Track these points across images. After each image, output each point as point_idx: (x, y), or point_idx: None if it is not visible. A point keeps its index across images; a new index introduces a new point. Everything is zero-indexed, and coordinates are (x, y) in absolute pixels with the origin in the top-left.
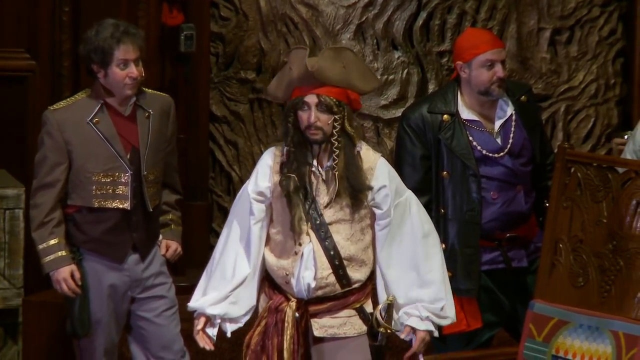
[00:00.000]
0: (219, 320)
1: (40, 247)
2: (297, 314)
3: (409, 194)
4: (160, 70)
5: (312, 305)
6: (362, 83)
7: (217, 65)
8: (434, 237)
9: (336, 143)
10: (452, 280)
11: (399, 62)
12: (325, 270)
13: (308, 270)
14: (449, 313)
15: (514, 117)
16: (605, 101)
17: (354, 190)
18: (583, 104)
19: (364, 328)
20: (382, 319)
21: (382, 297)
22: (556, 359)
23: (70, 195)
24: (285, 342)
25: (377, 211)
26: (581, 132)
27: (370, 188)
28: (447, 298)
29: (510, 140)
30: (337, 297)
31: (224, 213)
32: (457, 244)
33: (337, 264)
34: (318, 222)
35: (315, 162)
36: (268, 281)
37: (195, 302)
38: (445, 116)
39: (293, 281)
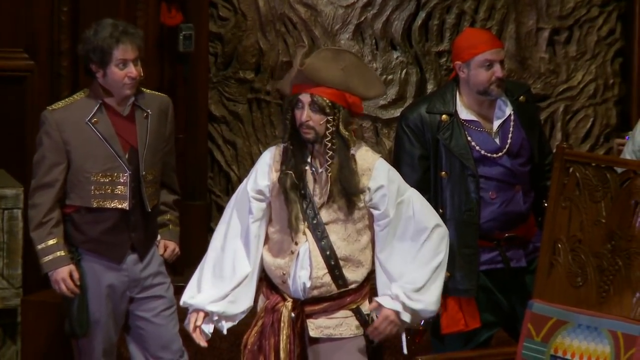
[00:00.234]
0: (216, 318)
1: (39, 247)
2: (293, 314)
3: (412, 192)
4: (159, 70)
5: (308, 305)
6: (364, 88)
7: (216, 65)
8: (440, 232)
9: (329, 144)
10: (451, 280)
11: (398, 62)
12: (321, 270)
13: (304, 269)
14: (425, 298)
15: (512, 117)
16: (604, 101)
17: (346, 193)
18: (582, 104)
19: (360, 329)
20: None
21: None
22: (555, 358)
23: (69, 195)
24: (281, 342)
25: (374, 212)
26: (580, 132)
27: (363, 192)
28: (429, 286)
29: (509, 140)
30: (333, 297)
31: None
32: (455, 244)
33: (333, 264)
34: (315, 221)
35: (311, 162)
36: (266, 281)
37: (192, 298)
38: (443, 116)
39: (289, 281)
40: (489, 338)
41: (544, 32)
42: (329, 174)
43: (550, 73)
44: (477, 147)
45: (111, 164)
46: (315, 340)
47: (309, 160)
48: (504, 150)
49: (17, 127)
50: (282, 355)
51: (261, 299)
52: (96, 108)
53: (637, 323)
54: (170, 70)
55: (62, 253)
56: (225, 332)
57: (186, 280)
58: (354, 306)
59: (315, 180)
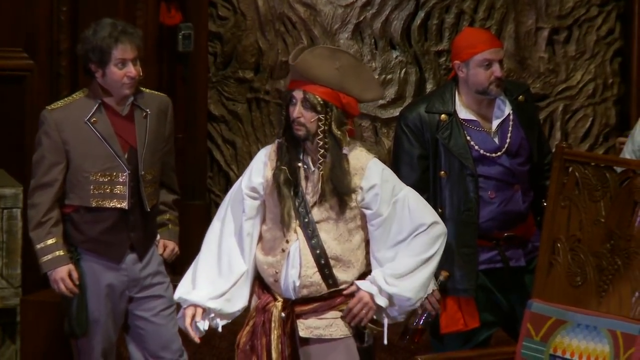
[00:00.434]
0: (212, 315)
1: (38, 246)
2: (283, 314)
3: (407, 191)
4: (158, 69)
5: (298, 305)
6: (360, 90)
7: (215, 65)
8: (437, 229)
9: (321, 143)
10: (450, 279)
11: (397, 62)
12: (310, 268)
13: (294, 268)
14: (402, 284)
15: (511, 117)
16: (603, 101)
17: (338, 192)
18: (581, 103)
19: (351, 330)
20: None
21: None
22: (554, 358)
23: (68, 194)
24: (272, 342)
25: (367, 212)
26: (579, 131)
27: (355, 191)
28: (411, 275)
29: (508, 140)
30: (323, 297)
31: None
32: (454, 244)
33: (323, 263)
34: (306, 220)
35: (305, 159)
36: (258, 280)
37: (188, 294)
38: (442, 116)
39: (281, 280)
40: (488, 338)
41: (543, 31)
42: (321, 173)
43: (549, 72)
44: (476, 147)
45: (110, 163)
46: (306, 341)
47: (302, 157)
48: (503, 150)
49: (17, 127)
50: (273, 355)
51: (254, 298)
52: (95, 108)
53: (636, 322)
54: (170, 69)
55: (61, 253)
56: (220, 329)
57: None
58: (345, 307)
59: (307, 179)
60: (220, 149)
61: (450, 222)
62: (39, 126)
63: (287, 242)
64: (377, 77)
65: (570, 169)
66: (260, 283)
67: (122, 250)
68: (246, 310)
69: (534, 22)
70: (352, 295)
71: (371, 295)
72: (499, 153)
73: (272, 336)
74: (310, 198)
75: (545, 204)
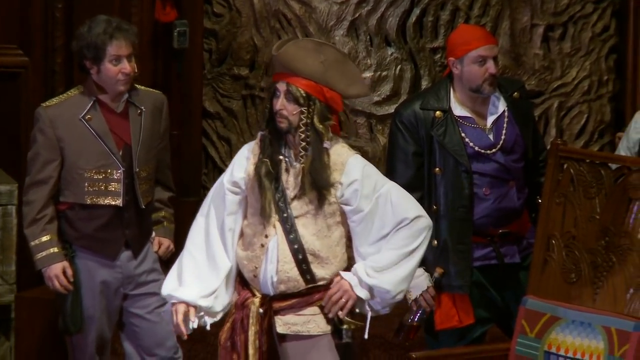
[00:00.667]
0: (202, 313)
1: (33, 243)
2: (261, 310)
3: (390, 186)
4: (153, 66)
5: (276, 301)
6: (344, 85)
7: (210, 62)
8: (420, 222)
9: (303, 136)
10: (445, 276)
11: (392, 59)
12: (288, 263)
13: (272, 263)
14: (382, 277)
15: (506, 114)
16: (598, 97)
17: (317, 186)
18: (576, 100)
19: (329, 327)
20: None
21: None
22: (548, 355)
23: (63, 192)
24: (249, 337)
25: (346, 208)
26: (574, 128)
27: (334, 186)
28: (392, 269)
29: (503, 137)
30: (301, 293)
31: None
32: (449, 241)
33: (301, 258)
34: (285, 214)
35: (287, 153)
36: (239, 276)
37: (176, 290)
38: (437, 113)
39: (260, 275)
40: (483, 334)
41: (539, 28)
42: (302, 166)
43: (544, 69)
44: (471, 144)
45: (105, 160)
46: (283, 337)
47: (284, 151)
48: (498, 147)
49: (12, 124)
50: (250, 351)
51: (235, 295)
52: (90, 105)
53: (630, 319)
54: (165, 66)
55: (56, 250)
56: (208, 327)
57: None
58: (323, 304)
59: (288, 172)
60: (215, 146)
61: (445, 219)
62: (34, 123)
63: (266, 237)
64: (372, 73)
65: (565, 166)
66: (240, 279)
67: (117, 247)
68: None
69: (529, 19)
70: (326, 290)
71: (351, 285)
72: (493, 150)
73: (250, 332)
74: (290, 192)
75: (540, 200)
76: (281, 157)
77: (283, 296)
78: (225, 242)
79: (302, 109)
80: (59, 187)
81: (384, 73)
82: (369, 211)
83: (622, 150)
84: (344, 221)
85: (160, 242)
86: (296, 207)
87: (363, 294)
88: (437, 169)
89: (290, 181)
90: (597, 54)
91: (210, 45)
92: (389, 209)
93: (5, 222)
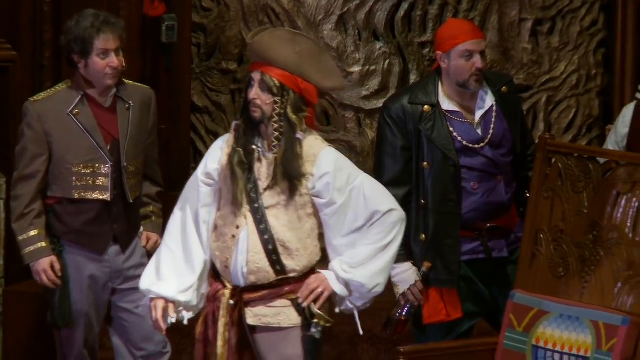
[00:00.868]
0: (181, 308)
1: (21, 238)
2: (231, 302)
3: (363, 178)
4: (141, 60)
5: (247, 293)
6: (320, 77)
7: (199, 56)
8: (393, 216)
9: (276, 126)
10: (432, 270)
11: (381, 53)
12: (258, 254)
13: (242, 254)
14: (357, 272)
15: (494, 108)
16: (587, 92)
17: (288, 176)
18: (564, 94)
19: (299, 320)
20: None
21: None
22: (536, 349)
23: (51, 186)
24: (219, 329)
25: (318, 201)
26: (562, 122)
27: (305, 176)
28: (367, 264)
29: (491, 131)
30: (272, 285)
31: None
32: (437, 235)
33: (271, 248)
34: (256, 205)
35: (260, 143)
36: (212, 269)
37: (154, 285)
38: (426, 107)
39: (231, 266)
40: (471, 328)
41: (527, 22)
42: (275, 156)
43: (533, 64)
44: (459, 138)
45: (93, 155)
46: (254, 329)
47: (258, 141)
48: (486, 141)
49: (0, 118)
50: (219, 343)
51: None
52: (78, 99)
53: (618, 313)
54: (153, 61)
55: (44, 244)
56: (186, 322)
57: None
58: (294, 297)
59: (261, 163)
60: (204, 140)
61: (433, 213)
62: (22, 118)
63: (237, 227)
64: (360, 68)
65: (554, 160)
66: (213, 271)
67: (105, 241)
68: None
69: (518, 14)
70: (298, 284)
71: (328, 279)
72: (481, 144)
73: (219, 323)
74: (262, 183)
75: (528, 194)
76: (254, 147)
77: (254, 287)
78: (201, 234)
79: (276, 98)
80: (47, 181)
81: (373, 67)
82: (341, 204)
83: (610, 144)
84: (316, 213)
85: (148, 237)
86: (267, 198)
87: (339, 288)
88: (425, 163)
89: (262, 171)
90: (586, 49)
91: (199, 40)
92: (362, 202)
93: None
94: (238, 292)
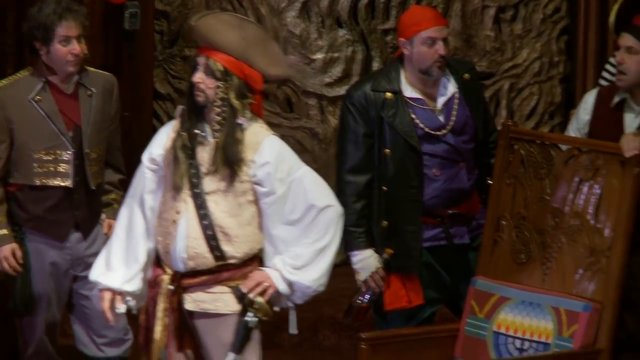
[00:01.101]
0: (129, 298)
1: None
2: (171, 287)
3: (305, 171)
4: (104, 47)
5: (186, 278)
6: (265, 64)
7: (162, 43)
8: (330, 212)
9: (219, 111)
10: (394, 257)
11: (344, 40)
12: (197, 239)
13: (182, 239)
14: (302, 274)
15: (457, 95)
16: (549, 79)
17: (228, 161)
18: (527, 81)
19: (237, 307)
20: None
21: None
22: (498, 335)
23: (12, 173)
24: (157, 313)
25: (259, 189)
26: (525, 109)
27: (245, 163)
28: (310, 267)
29: (453, 118)
30: (211, 271)
31: None
32: (399, 221)
33: (210, 234)
34: (197, 190)
35: (204, 128)
36: (156, 255)
37: (102, 275)
38: (388, 94)
39: (171, 251)
40: (432, 315)
41: (490, 9)
42: (216, 141)
43: (495, 51)
44: (421, 125)
45: (54, 141)
46: (193, 315)
47: (202, 126)
48: (448, 128)
49: None
50: (157, 328)
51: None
52: (40, 86)
53: (579, 299)
54: (116, 48)
55: (5, 232)
56: (135, 311)
57: None
58: (233, 284)
59: (204, 148)
60: None
61: (395, 200)
62: None
63: (178, 213)
64: (324, 55)
65: (516, 147)
66: (156, 257)
67: (67, 228)
68: None
69: (481, 1)
70: (237, 270)
71: (273, 277)
72: (443, 131)
73: (158, 308)
74: (203, 168)
75: (490, 181)
76: (198, 131)
77: (193, 273)
78: (147, 221)
79: (219, 83)
80: (8, 168)
81: (336, 54)
82: (281, 194)
83: (572, 131)
84: (256, 200)
85: (110, 224)
86: (208, 183)
87: (282, 287)
88: (388, 150)
89: (204, 157)
90: (548, 36)
91: (162, 27)
92: (301, 194)
93: None
94: (178, 277)
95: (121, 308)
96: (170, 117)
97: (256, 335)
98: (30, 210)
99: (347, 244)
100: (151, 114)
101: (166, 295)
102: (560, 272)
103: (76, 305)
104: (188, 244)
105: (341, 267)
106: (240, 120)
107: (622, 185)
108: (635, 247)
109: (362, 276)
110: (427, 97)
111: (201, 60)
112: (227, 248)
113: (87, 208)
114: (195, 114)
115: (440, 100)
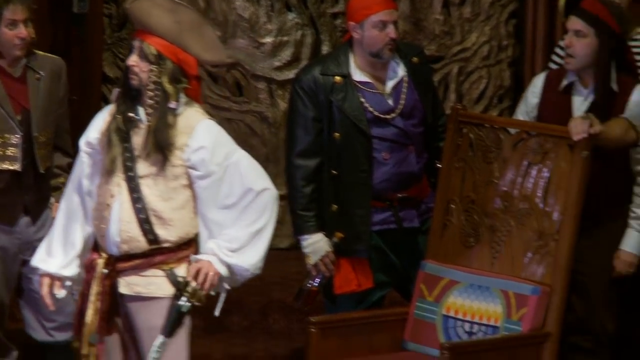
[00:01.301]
0: (68, 283)
1: None
2: (105, 270)
3: (241, 155)
4: (53, 30)
5: (120, 262)
6: (200, 49)
7: (111, 27)
8: (266, 195)
9: (151, 94)
10: (344, 240)
11: (293, 24)
12: (130, 223)
13: (116, 223)
14: (240, 257)
15: (405, 79)
16: (498, 62)
17: (160, 146)
18: (476, 65)
19: (171, 290)
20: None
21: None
22: (447, 318)
23: None
24: (90, 297)
25: (193, 172)
26: (473, 93)
27: (178, 148)
28: (246, 250)
29: (402, 102)
30: (144, 254)
31: None
32: (348, 205)
33: (143, 217)
34: (131, 173)
35: (138, 112)
36: (94, 239)
37: (42, 262)
38: (337, 78)
39: (106, 235)
40: (382, 298)
41: None
42: (148, 125)
43: (444, 34)
44: (371, 109)
45: (3, 125)
46: (126, 298)
47: (137, 110)
48: (397, 112)
49: None
50: (89, 312)
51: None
52: None
53: (528, 283)
54: (65, 31)
55: None
56: (77, 297)
57: None
58: (167, 267)
59: (138, 131)
60: None
61: (345, 184)
62: None
63: (112, 196)
64: (273, 39)
65: (465, 131)
66: (94, 241)
67: (15, 213)
68: None
69: None
70: (171, 254)
71: (212, 262)
72: (392, 115)
73: (91, 291)
74: (137, 152)
75: (439, 165)
76: (132, 114)
77: (127, 257)
78: (85, 206)
79: (153, 67)
80: None
81: (285, 38)
82: (217, 178)
83: (520, 114)
84: (190, 185)
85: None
86: (141, 167)
87: (223, 270)
88: (337, 134)
89: (138, 140)
90: (497, 19)
91: (111, 10)
92: (237, 178)
93: None
94: (112, 261)
95: (60, 293)
96: None
97: (187, 321)
98: None
99: (297, 228)
100: (100, 98)
101: (100, 279)
102: (509, 256)
103: (25, 289)
104: (121, 228)
105: (291, 251)
106: (172, 105)
107: (570, 168)
108: (584, 230)
109: (312, 260)
110: (376, 80)
111: (136, 43)
112: (160, 232)
113: (36, 192)
114: (130, 97)
115: (390, 84)
